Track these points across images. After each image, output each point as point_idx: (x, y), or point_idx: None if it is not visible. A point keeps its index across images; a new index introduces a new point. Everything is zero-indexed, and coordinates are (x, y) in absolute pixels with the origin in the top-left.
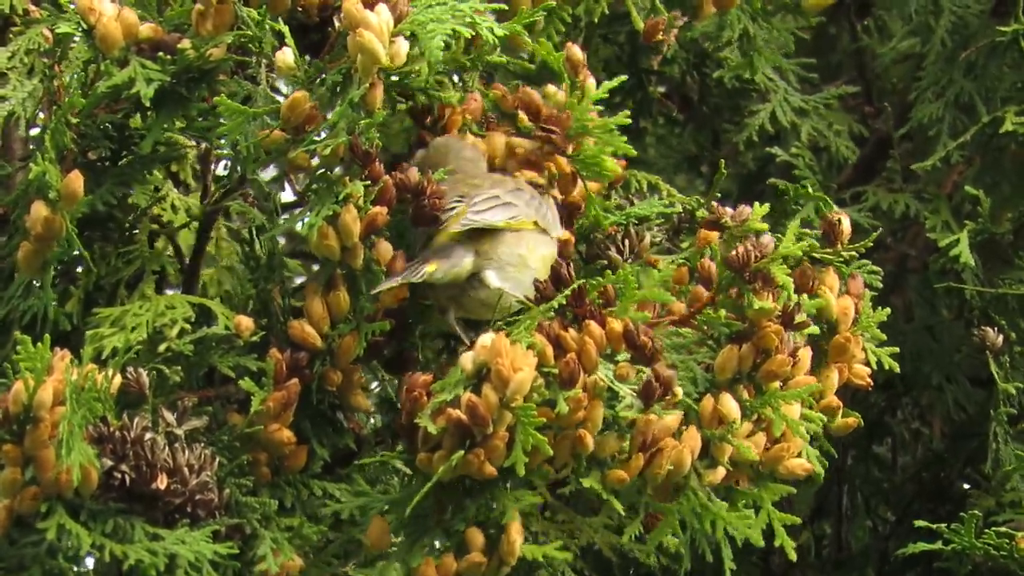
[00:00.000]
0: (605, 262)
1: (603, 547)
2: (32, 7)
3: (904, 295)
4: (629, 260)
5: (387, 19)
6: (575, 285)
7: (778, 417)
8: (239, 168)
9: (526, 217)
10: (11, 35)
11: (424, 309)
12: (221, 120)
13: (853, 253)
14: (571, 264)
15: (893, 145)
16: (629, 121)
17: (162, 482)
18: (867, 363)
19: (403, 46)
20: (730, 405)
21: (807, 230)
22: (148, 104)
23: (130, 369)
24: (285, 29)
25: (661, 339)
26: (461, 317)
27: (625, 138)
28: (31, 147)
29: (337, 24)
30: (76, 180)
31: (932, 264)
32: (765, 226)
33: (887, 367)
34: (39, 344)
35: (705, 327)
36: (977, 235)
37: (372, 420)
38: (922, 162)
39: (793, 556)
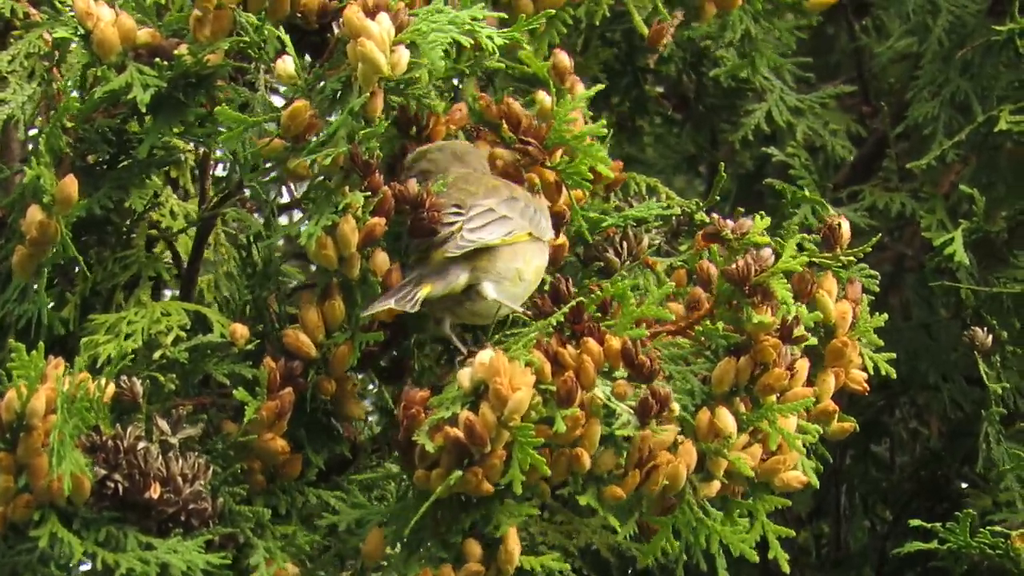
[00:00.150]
0: (602, 264)
1: (601, 547)
2: (33, 11)
3: (901, 294)
4: (627, 262)
5: (388, 28)
6: (573, 302)
7: (774, 431)
8: (237, 172)
9: (521, 230)
10: (12, 39)
11: (419, 317)
12: (219, 127)
13: (852, 258)
14: (570, 280)
15: (890, 144)
16: (605, 131)
17: (155, 491)
18: (864, 368)
19: (404, 55)
20: (726, 419)
21: (806, 235)
22: (145, 110)
23: (124, 378)
24: (286, 37)
25: (658, 350)
26: (457, 324)
27: (604, 150)
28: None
29: (336, 30)
30: (71, 184)
31: (928, 263)
32: (766, 239)
33: (884, 372)
34: (33, 352)
35: (703, 339)
36: (972, 234)
37: (367, 429)
38: (918, 161)
39: (787, 568)
